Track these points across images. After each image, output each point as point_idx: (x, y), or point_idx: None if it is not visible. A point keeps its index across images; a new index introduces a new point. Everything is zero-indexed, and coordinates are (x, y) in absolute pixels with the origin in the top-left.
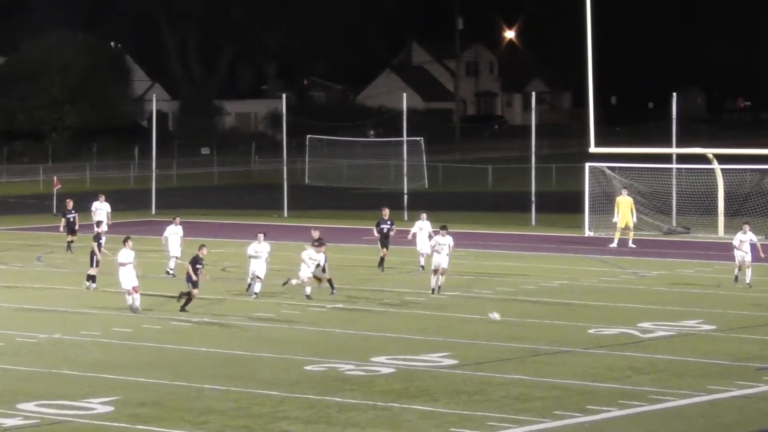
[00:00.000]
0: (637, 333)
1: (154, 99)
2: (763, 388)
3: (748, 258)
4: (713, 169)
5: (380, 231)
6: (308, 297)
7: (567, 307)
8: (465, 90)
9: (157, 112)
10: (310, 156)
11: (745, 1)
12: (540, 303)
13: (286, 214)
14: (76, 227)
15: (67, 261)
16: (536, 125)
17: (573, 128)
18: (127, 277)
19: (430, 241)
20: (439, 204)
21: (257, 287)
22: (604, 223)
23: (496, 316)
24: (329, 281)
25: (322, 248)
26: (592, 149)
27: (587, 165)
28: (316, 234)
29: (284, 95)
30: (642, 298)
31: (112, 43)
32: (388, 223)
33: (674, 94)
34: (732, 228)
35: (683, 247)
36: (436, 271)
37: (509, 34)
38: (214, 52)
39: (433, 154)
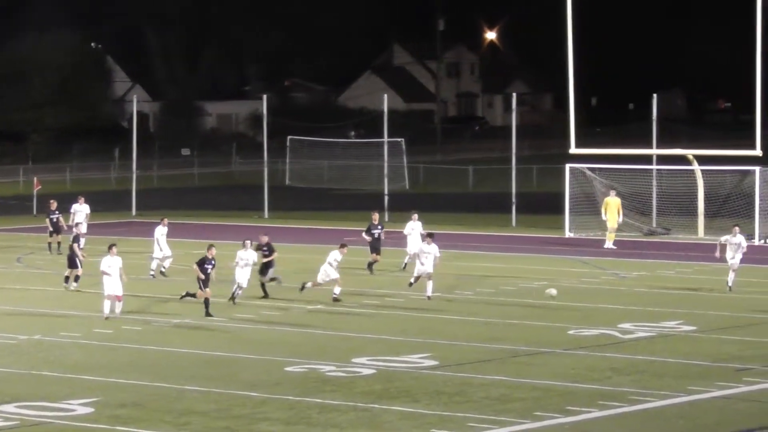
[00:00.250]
0: (617, 334)
1: (135, 100)
2: (743, 388)
3: (736, 261)
4: (693, 170)
5: (371, 236)
6: (336, 299)
7: (547, 308)
8: (446, 91)
9: (138, 113)
10: (291, 157)
11: (726, 2)
12: (520, 304)
13: (266, 215)
14: (61, 228)
15: (48, 262)
16: (517, 126)
17: (554, 129)
18: (111, 285)
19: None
20: (420, 205)
21: (238, 295)
22: (584, 224)
23: (553, 291)
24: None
25: (344, 250)
26: (573, 150)
27: (567, 166)
28: (264, 239)
29: (265, 96)
30: (622, 299)
31: (93, 44)
32: (379, 227)
33: (654, 95)
34: (712, 229)
35: (663, 248)
36: (417, 279)
37: (491, 36)
38: (195, 53)
39: (414, 155)
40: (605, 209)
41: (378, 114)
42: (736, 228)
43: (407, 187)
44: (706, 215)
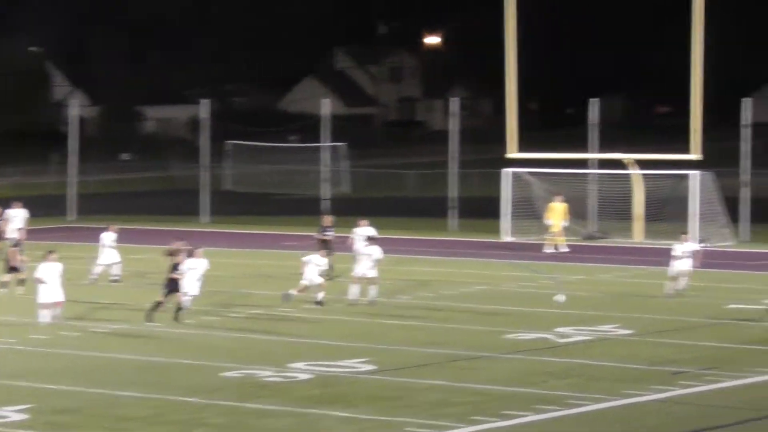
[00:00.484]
0: (554, 338)
1: (74, 104)
2: (679, 391)
3: (687, 268)
4: (632, 174)
5: (323, 237)
6: (319, 303)
7: (486, 312)
8: (387, 95)
9: (77, 117)
10: (232, 161)
11: (667, 7)
12: (459, 308)
13: (207, 220)
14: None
15: None
16: (457, 131)
17: (493, 133)
18: (48, 293)
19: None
20: (360, 209)
21: (186, 304)
22: (523, 228)
23: (561, 298)
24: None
25: (324, 253)
26: (512, 155)
27: (506, 171)
28: (177, 245)
29: (205, 100)
30: (560, 303)
31: (32, 48)
32: (330, 230)
33: (594, 99)
34: (650, 233)
35: (601, 252)
36: (359, 280)
37: (431, 40)
38: (137, 58)
39: (355, 160)
40: (549, 214)
41: (319, 118)
42: (686, 235)
43: (348, 191)
44: (644, 219)
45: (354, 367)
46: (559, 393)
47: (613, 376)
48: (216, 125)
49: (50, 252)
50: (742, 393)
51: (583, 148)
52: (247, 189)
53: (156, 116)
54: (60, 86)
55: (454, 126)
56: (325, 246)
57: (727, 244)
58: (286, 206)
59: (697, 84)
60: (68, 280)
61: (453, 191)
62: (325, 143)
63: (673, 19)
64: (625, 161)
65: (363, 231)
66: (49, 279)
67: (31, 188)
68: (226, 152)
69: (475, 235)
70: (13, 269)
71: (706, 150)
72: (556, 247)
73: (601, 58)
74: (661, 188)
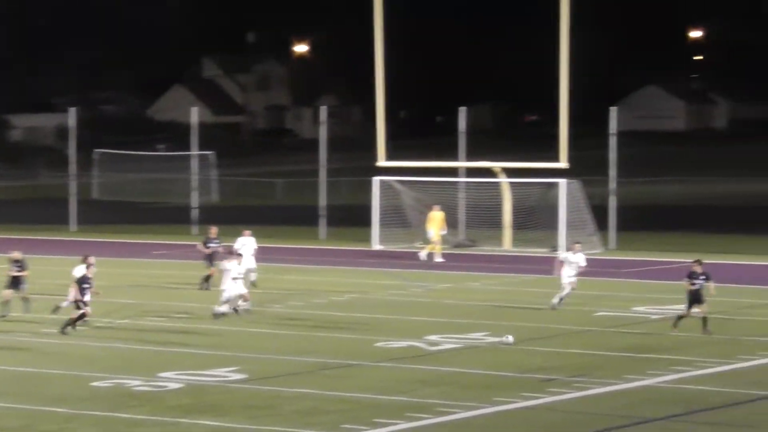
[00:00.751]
0: (424, 346)
1: None
2: (548, 399)
3: (575, 279)
4: (500, 182)
5: (208, 249)
6: (238, 311)
7: (356, 320)
8: (255, 103)
9: None
10: (100, 170)
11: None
12: (330, 317)
13: (75, 229)
14: None
15: None
16: (326, 139)
17: (363, 142)
18: None
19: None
20: (229, 218)
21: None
22: (393, 237)
23: (510, 339)
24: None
25: (237, 259)
26: (381, 163)
27: (376, 179)
28: (16, 255)
29: (73, 108)
30: (429, 311)
31: None
32: (216, 241)
33: (462, 108)
34: (519, 241)
35: (470, 260)
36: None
37: (300, 49)
38: (1, 65)
39: (224, 168)
40: (429, 223)
41: (187, 127)
42: (578, 245)
43: (217, 200)
44: (513, 227)
45: (224, 377)
46: (430, 401)
47: (483, 383)
48: (84, 134)
49: None
50: (610, 400)
51: (453, 156)
52: (116, 198)
53: (23, 125)
54: None
55: (323, 134)
56: (210, 258)
57: (594, 252)
58: (155, 215)
59: (564, 93)
60: None
61: (323, 199)
62: (194, 152)
63: (542, 29)
64: (494, 169)
65: (246, 241)
66: None
67: None
68: (94, 161)
69: (345, 244)
70: None
71: (573, 158)
72: (430, 256)
73: (470, 67)
74: (529, 196)
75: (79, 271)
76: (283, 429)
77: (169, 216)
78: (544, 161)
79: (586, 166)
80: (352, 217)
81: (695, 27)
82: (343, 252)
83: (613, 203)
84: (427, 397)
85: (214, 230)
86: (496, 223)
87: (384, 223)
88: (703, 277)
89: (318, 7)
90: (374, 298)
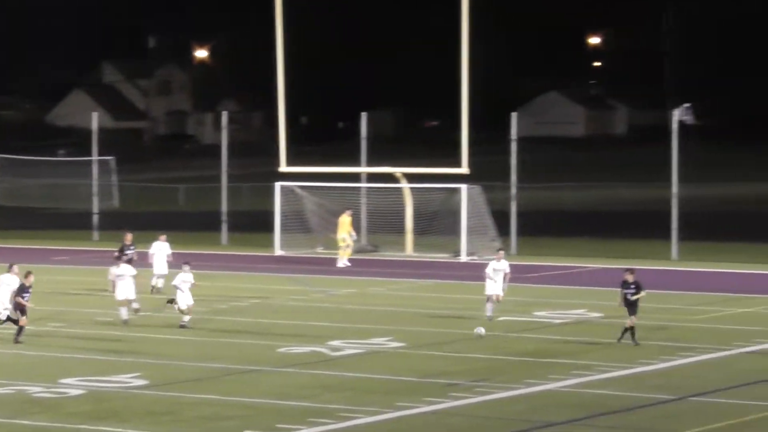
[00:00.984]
0: (326, 351)
1: None
2: (450, 403)
3: (500, 289)
4: (402, 188)
5: (124, 255)
6: (183, 326)
7: (258, 326)
8: (156, 109)
9: None
10: (1, 176)
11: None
12: (232, 322)
13: None
14: None
15: None
16: (227, 144)
17: (264, 147)
18: None
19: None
20: (130, 224)
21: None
22: (294, 242)
23: (481, 330)
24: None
25: (187, 267)
26: (283, 168)
27: (278, 184)
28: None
29: None
30: (332, 317)
31: None
32: (132, 248)
33: (364, 114)
34: (420, 246)
35: (372, 266)
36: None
37: (201, 54)
38: None
39: (125, 173)
40: (340, 228)
41: (88, 132)
42: (501, 252)
43: (117, 205)
44: (415, 232)
45: (126, 383)
46: (333, 406)
47: (386, 388)
48: None
49: None
50: (512, 404)
51: (355, 161)
52: (16, 203)
53: None
54: None
55: (224, 140)
56: (128, 264)
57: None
58: (55, 221)
59: (465, 99)
60: None
61: (224, 205)
62: (94, 157)
63: (443, 35)
64: (395, 175)
65: (161, 246)
66: None
67: None
68: None
69: (247, 249)
70: None
71: (475, 164)
72: (342, 261)
73: (371, 73)
74: (431, 202)
75: (10, 279)
76: None
77: (69, 222)
78: (445, 167)
79: (488, 171)
80: (254, 223)
81: (594, 34)
82: (245, 257)
83: (514, 208)
84: (329, 402)
85: (129, 236)
86: (398, 229)
87: (286, 229)
88: (634, 286)
89: (219, 13)
90: (277, 304)
